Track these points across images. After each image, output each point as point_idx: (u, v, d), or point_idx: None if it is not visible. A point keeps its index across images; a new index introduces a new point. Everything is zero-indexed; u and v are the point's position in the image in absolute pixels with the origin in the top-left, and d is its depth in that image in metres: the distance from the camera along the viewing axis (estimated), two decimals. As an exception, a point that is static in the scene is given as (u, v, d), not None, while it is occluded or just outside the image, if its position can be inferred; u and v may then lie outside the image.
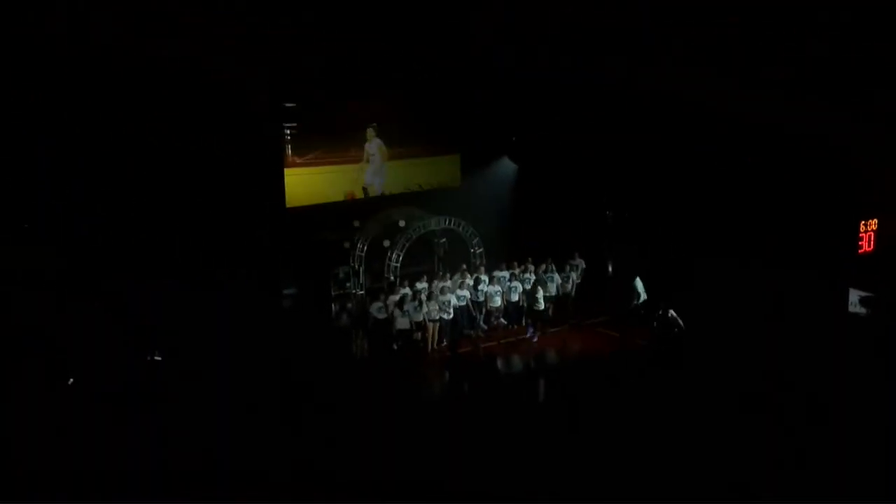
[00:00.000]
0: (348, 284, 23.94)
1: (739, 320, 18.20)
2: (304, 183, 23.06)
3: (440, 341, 19.82)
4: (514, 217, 25.13)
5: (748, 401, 15.69)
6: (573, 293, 21.44)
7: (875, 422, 14.05)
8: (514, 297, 20.74)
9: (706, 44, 18.52)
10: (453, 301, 19.90)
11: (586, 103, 21.98)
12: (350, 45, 19.49)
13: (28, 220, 17.74)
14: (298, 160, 22.95)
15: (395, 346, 19.38)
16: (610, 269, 23.25)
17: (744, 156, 19.91)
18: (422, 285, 20.16)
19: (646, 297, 20.19)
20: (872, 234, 19.67)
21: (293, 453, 14.31)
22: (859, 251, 19.57)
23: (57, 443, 14.15)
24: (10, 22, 16.32)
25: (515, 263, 21.35)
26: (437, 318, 19.60)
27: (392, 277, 22.24)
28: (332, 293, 23.74)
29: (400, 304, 19.46)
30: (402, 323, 19.28)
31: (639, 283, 20.36)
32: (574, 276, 21.52)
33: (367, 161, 24.20)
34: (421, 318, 19.45)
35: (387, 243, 23.10)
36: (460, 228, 23.20)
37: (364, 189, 24.36)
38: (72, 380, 15.19)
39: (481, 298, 20.57)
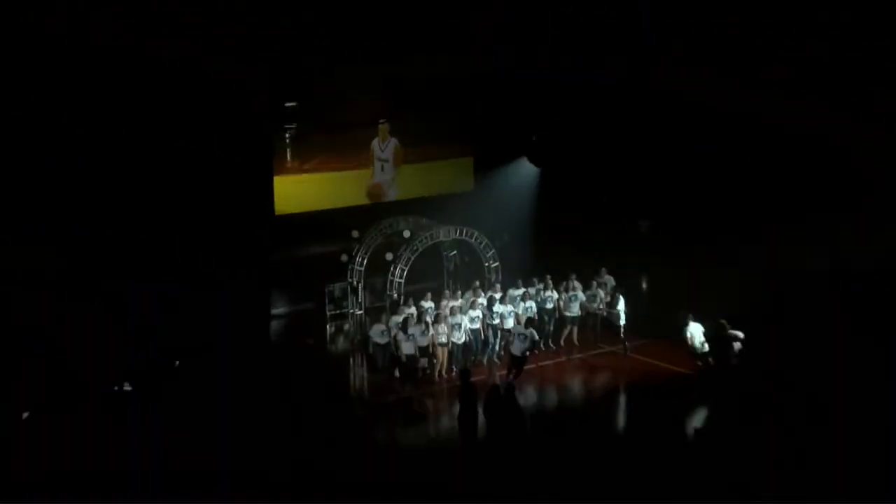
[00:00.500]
0: (345, 303, 21.81)
1: (740, 320, 18.17)
2: (305, 188, 21.45)
3: (449, 369, 17.94)
4: (535, 227, 23.11)
5: (748, 401, 15.71)
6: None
7: (875, 422, 14.03)
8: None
9: (706, 44, 18.49)
10: (465, 323, 18.01)
11: (617, 100, 20.51)
12: (350, 45, 19.47)
13: (28, 220, 17.72)
14: (299, 164, 21.38)
15: (397, 374, 17.84)
16: (644, 287, 21.11)
17: (744, 156, 19.90)
18: (428, 304, 18.55)
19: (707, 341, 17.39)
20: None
21: (293, 453, 14.33)
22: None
23: (57, 443, 14.16)
24: (10, 22, 16.32)
25: (535, 280, 19.48)
26: (447, 342, 17.75)
27: (395, 295, 20.20)
28: (328, 313, 21.60)
29: (404, 326, 17.52)
30: (406, 348, 17.39)
31: (696, 329, 17.36)
32: (601, 294, 19.41)
33: (380, 166, 22.08)
34: (426, 343, 17.54)
35: (389, 256, 21.17)
36: (473, 240, 20.73)
37: (375, 194, 22.34)
38: (26, 414, 15.06)
39: (496, 321, 18.49)
